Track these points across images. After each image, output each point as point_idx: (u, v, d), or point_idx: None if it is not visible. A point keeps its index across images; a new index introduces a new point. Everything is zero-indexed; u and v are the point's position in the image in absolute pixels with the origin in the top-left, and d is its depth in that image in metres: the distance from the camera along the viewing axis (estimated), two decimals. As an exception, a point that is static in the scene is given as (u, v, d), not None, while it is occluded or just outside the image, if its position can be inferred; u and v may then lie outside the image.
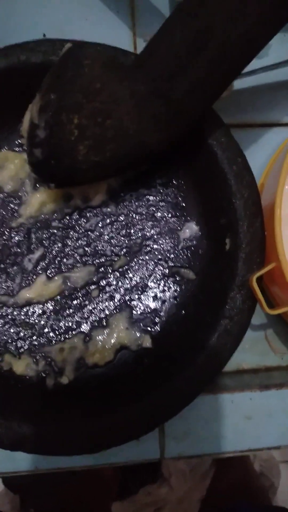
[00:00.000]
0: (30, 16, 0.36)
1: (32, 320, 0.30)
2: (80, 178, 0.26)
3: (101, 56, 0.25)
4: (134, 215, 0.31)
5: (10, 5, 0.36)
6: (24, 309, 0.30)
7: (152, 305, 0.30)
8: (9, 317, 0.30)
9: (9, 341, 0.29)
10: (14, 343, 0.29)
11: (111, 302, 0.30)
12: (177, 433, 0.31)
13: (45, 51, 0.29)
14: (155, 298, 0.30)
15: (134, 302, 0.30)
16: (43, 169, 0.26)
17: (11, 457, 0.30)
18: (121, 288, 0.30)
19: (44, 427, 0.26)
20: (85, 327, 0.30)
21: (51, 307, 0.30)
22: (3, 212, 0.30)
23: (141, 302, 0.30)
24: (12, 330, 0.29)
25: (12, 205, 0.31)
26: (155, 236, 0.31)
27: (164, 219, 0.31)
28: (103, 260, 0.31)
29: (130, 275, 0.31)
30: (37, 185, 0.30)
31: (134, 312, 0.30)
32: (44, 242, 0.31)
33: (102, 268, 0.31)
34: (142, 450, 0.31)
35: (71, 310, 0.30)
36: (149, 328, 0.30)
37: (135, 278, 0.30)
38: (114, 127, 0.24)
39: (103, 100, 0.24)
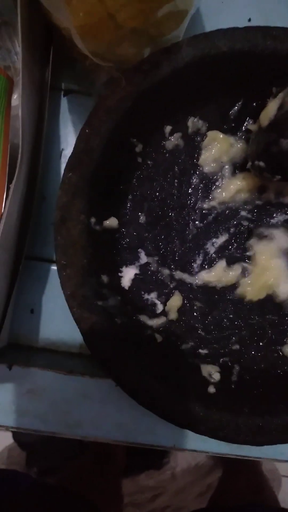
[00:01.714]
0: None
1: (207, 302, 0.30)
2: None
3: None
4: None
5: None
6: (200, 290, 0.30)
7: None
8: (187, 296, 0.30)
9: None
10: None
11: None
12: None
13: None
14: None
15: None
16: (281, 160, 0.26)
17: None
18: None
19: (213, 412, 0.27)
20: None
21: (227, 295, 0.30)
22: (199, 192, 0.30)
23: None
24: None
25: (207, 187, 0.30)
26: None
27: None
28: (282, 259, 0.31)
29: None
30: (236, 171, 0.30)
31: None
32: (230, 229, 0.31)
33: (281, 267, 0.31)
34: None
35: (246, 302, 0.30)
36: None
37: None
38: None
39: None
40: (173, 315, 0.30)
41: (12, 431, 0.92)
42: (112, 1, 0.23)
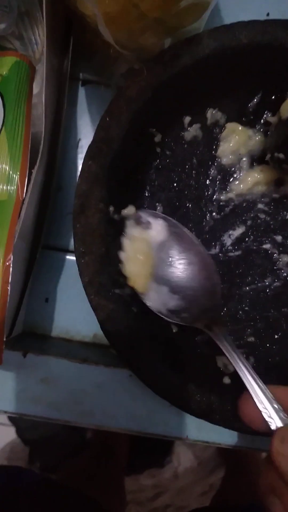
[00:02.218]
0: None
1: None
2: None
3: None
4: None
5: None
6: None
7: None
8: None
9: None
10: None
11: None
12: None
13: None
14: None
15: None
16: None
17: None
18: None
19: (228, 403, 0.27)
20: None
21: (242, 287, 0.30)
22: (216, 184, 0.30)
23: None
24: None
25: (225, 179, 0.31)
26: None
27: None
28: (299, 253, 0.31)
29: None
30: (254, 164, 0.30)
31: None
32: (247, 221, 0.31)
33: (297, 261, 0.31)
34: None
35: (261, 295, 0.30)
36: None
37: None
38: None
39: None
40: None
41: (16, 428, 0.92)
42: (137, -11, 0.23)
